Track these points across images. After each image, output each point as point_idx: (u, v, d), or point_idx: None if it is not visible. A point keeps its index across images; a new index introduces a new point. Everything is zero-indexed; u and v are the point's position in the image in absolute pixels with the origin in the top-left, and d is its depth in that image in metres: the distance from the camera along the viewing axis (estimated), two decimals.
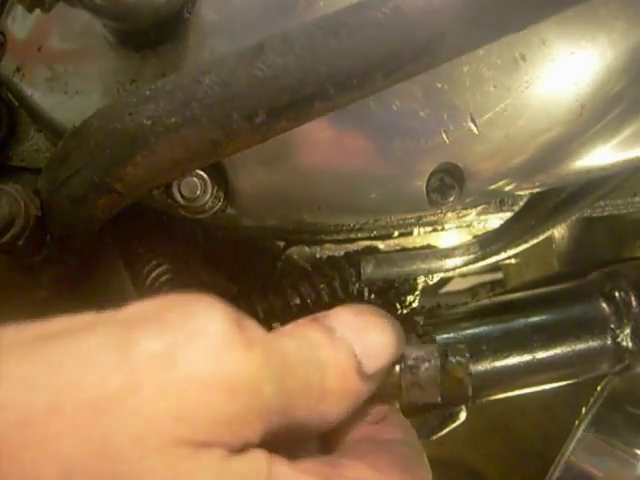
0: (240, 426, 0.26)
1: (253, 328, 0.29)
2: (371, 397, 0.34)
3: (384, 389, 0.36)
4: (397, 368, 0.37)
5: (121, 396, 0.24)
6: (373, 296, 0.52)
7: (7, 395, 0.23)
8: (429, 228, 0.52)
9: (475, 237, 0.55)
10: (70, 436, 0.23)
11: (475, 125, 0.40)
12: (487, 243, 0.53)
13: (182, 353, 0.26)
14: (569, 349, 0.52)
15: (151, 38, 0.42)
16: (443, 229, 0.53)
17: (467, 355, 0.39)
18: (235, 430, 0.26)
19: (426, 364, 0.37)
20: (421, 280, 0.56)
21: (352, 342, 0.33)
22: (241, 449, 0.27)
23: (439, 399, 0.37)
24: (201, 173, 0.40)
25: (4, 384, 0.24)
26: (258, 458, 0.27)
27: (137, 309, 0.28)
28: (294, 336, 0.32)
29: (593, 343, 0.52)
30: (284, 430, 0.29)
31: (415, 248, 0.53)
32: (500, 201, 0.51)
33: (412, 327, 0.52)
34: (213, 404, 0.26)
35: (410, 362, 0.37)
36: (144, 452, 0.24)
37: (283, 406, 0.28)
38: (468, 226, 0.55)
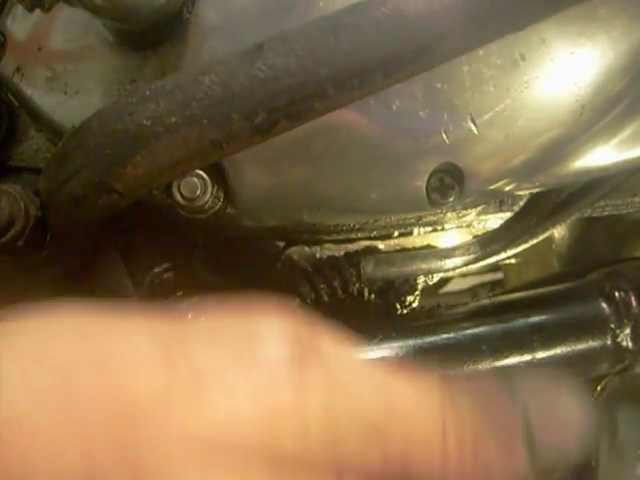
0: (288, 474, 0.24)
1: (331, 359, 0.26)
2: None
3: None
4: None
5: (158, 408, 0.23)
6: (373, 296, 0.52)
7: (45, 384, 0.22)
8: (429, 228, 0.52)
9: (475, 237, 0.55)
10: (98, 438, 0.22)
11: (475, 125, 0.40)
12: (487, 243, 0.53)
13: (231, 379, 0.24)
14: (569, 349, 0.52)
15: (151, 38, 0.42)
16: (443, 229, 0.53)
17: None
18: (280, 474, 0.24)
19: None
20: (421, 280, 0.56)
21: (529, 404, 0.27)
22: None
23: None
24: (201, 173, 0.40)
25: (41, 371, 0.22)
26: None
27: (196, 320, 0.26)
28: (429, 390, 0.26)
29: (593, 343, 0.52)
30: None
31: (415, 248, 0.53)
32: (500, 201, 0.51)
33: None
34: (254, 440, 0.23)
35: None
36: (171, 471, 0.22)
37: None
38: (468, 226, 0.55)
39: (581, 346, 0.52)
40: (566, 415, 0.27)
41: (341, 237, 0.49)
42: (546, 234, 0.53)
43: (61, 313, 0.25)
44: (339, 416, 0.25)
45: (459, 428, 0.25)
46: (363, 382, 0.26)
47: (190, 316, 0.26)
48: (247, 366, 0.24)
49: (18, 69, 0.47)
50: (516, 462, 0.26)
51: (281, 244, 0.52)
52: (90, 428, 0.22)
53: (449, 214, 0.48)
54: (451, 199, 0.42)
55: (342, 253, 0.52)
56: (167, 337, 0.25)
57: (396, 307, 0.55)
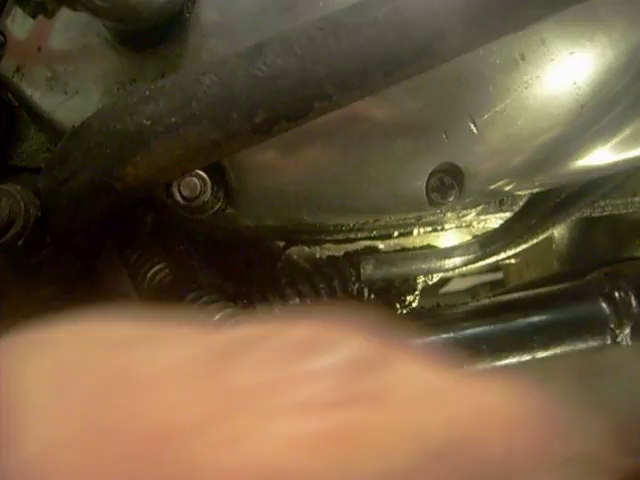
0: None
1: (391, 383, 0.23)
2: None
3: None
4: None
5: (190, 431, 0.21)
6: (373, 296, 0.52)
7: (71, 408, 0.20)
8: (429, 228, 0.52)
9: (475, 237, 0.55)
10: (122, 464, 0.20)
11: (475, 125, 0.40)
12: (487, 243, 0.53)
13: (276, 400, 0.21)
14: (569, 349, 0.52)
15: (151, 38, 0.42)
16: (443, 229, 0.53)
17: None
18: None
19: None
20: (421, 280, 0.56)
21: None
22: None
23: None
24: (201, 173, 0.40)
25: (71, 392, 0.21)
26: None
27: (238, 334, 0.24)
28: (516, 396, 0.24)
29: (593, 343, 0.52)
30: None
31: (415, 248, 0.53)
32: (500, 201, 0.51)
33: None
34: (295, 467, 0.21)
35: None
36: None
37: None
38: (468, 226, 0.55)
39: (581, 346, 0.52)
40: None
41: (341, 237, 0.49)
42: (546, 234, 0.53)
43: (91, 322, 0.23)
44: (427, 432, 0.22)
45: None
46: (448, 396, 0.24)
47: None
48: (295, 384, 0.22)
49: (18, 69, 0.47)
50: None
51: (281, 244, 0.52)
52: (119, 467, 0.20)
53: (449, 214, 0.48)
54: (451, 199, 0.42)
55: (342, 253, 0.52)
56: (209, 352, 0.23)
57: (396, 307, 0.55)
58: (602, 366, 0.29)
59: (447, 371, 0.25)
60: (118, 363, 0.22)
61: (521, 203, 0.52)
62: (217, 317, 0.34)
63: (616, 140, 0.44)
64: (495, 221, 0.55)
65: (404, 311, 0.55)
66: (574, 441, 0.23)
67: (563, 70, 0.40)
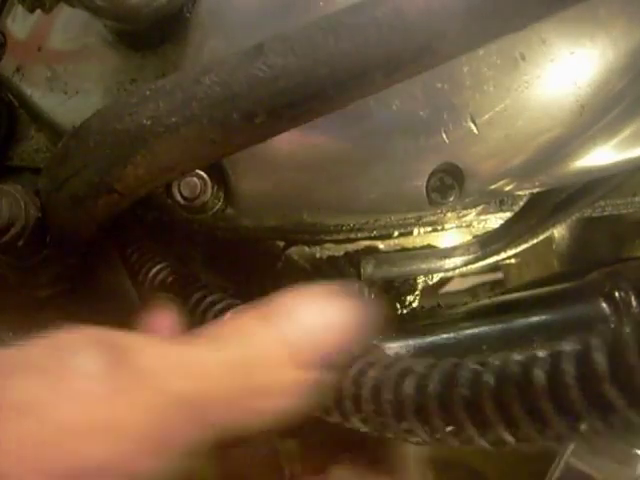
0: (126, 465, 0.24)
1: (140, 355, 0.26)
2: None
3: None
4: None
5: None
6: (373, 296, 0.52)
7: None
8: (429, 228, 0.52)
9: (475, 237, 0.55)
10: None
11: (475, 125, 0.40)
12: (487, 243, 0.53)
13: (48, 401, 0.23)
14: None
15: (151, 38, 0.42)
16: (443, 229, 0.53)
17: None
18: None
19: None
20: (421, 280, 0.56)
21: (285, 329, 0.29)
22: None
23: None
24: (201, 173, 0.40)
25: None
26: None
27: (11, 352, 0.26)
28: (215, 339, 0.28)
29: None
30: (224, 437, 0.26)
31: (415, 248, 0.53)
32: (500, 201, 0.51)
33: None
34: (81, 451, 0.23)
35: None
36: None
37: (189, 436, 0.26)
38: (468, 226, 0.55)
39: None
40: (320, 319, 0.29)
41: (341, 237, 0.49)
42: (546, 234, 0.53)
43: None
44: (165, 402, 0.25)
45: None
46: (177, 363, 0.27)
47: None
48: (61, 386, 0.24)
49: (18, 69, 0.47)
50: (293, 380, 0.28)
51: (281, 244, 0.52)
52: None
53: (449, 214, 0.47)
54: (451, 199, 0.42)
55: (342, 253, 0.52)
56: None
57: (396, 307, 0.55)
58: None
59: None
60: None
61: (521, 203, 0.52)
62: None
63: (616, 140, 0.44)
64: (495, 221, 0.55)
65: (404, 311, 0.55)
66: None
67: (563, 70, 0.40)
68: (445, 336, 0.53)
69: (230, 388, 0.27)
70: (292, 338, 0.28)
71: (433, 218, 0.47)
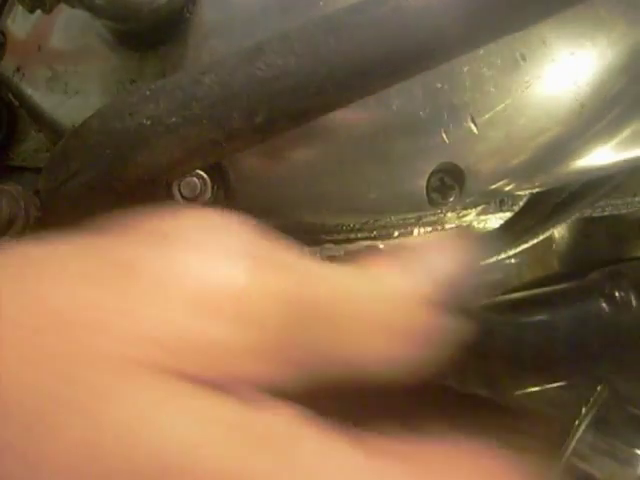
0: (232, 361, 0.21)
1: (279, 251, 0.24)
2: None
3: None
4: None
5: (84, 312, 0.20)
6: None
7: None
8: (429, 228, 0.52)
9: None
10: (18, 353, 0.19)
11: (475, 125, 0.40)
12: (487, 243, 0.53)
13: (163, 263, 0.21)
14: None
15: (151, 38, 0.42)
16: (443, 229, 0.53)
17: None
18: (224, 365, 0.21)
19: None
20: None
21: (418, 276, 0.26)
22: (247, 395, 0.21)
23: None
24: (201, 173, 0.40)
25: None
26: (269, 408, 0.20)
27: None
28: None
29: None
30: (337, 381, 0.23)
31: None
32: (500, 201, 0.51)
33: None
34: (195, 326, 0.20)
35: None
36: (99, 375, 0.19)
37: (308, 343, 0.22)
38: (468, 226, 0.55)
39: None
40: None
41: (341, 237, 0.49)
42: (546, 234, 0.53)
43: None
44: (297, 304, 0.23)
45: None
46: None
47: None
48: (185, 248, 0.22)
49: (18, 69, 0.47)
50: (424, 323, 0.25)
51: None
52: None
53: (449, 214, 0.47)
54: (451, 199, 0.42)
55: (342, 253, 0.52)
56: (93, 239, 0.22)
57: None
58: None
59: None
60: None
61: (521, 203, 0.52)
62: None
63: (616, 140, 0.44)
64: (495, 221, 0.55)
65: None
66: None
67: (564, 70, 0.40)
68: None
69: (347, 317, 0.24)
70: (424, 284, 0.26)
71: (433, 218, 0.47)
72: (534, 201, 0.51)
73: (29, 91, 0.46)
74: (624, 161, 0.45)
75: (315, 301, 0.23)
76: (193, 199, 0.41)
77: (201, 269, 0.22)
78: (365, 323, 0.24)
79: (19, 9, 0.49)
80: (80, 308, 0.20)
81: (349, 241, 0.52)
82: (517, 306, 0.56)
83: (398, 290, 0.25)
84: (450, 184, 0.42)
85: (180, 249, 0.22)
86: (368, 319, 0.24)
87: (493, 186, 0.43)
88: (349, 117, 0.40)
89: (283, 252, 0.24)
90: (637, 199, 0.55)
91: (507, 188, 0.44)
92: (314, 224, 0.45)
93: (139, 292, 0.21)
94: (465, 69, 0.40)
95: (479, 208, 0.50)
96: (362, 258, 0.28)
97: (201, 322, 0.21)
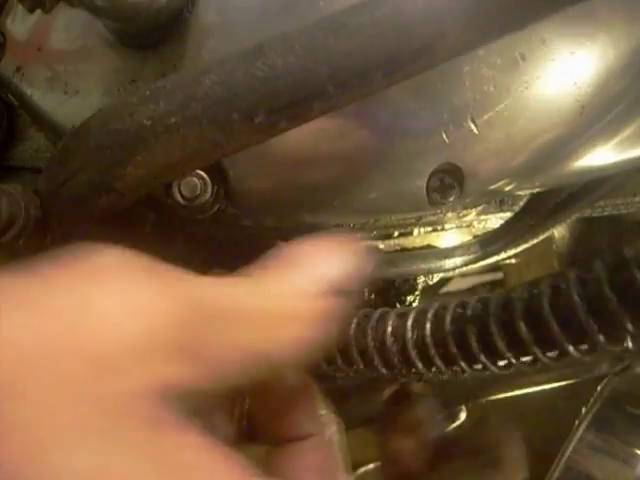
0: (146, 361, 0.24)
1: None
2: None
3: None
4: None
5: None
6: (373, 296, 0.52)
7: None
8: (429, 228, 0.52)
9: (475, 237, 0.55)
10: None
11: (475, 125, 0.40)
12: (487, 243, 0.53)
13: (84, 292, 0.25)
14: None
15: (151, 38, 0.42)
16: (443, 229, 0.53)
17: None
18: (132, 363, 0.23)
19: None
20: (421, 280, 0.56)
21: (298, 280, 0.30)
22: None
23: None
24: (201, 173, 0.40)
25: None
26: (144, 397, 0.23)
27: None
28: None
29: None
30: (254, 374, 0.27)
31: (415, 248, 0.53)
32: (500, 201, 0.51)
33: None
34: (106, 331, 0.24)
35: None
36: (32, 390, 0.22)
37: (209, 337, 0.26)
38: (468, 226, 0.55)
39: None
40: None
41: None
42: (546, 234, 0.53)
43: None
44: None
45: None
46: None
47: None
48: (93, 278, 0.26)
49: (18, 69, 0.47)
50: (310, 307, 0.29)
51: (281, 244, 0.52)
52: None
53: (449, 214, 0.48)
54: (451, 199, 0.42)
55: None
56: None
57: (396, 307, 0.55)
58: None
59: None
60: None
61: (521, 203, 0.52)
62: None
63: (616, 140, 0.44)
64: (495, 221, 0.55)
65: None
66: None
67: (564, 70, 0.40)
68: None
69: (248, 306, 0.27)
70: (306, 285, 0.29)
71: (433, 218, 0.47)
72: (534, 201, 0.51)
73: (29, 91, 0.46)
74: (624, 161, 0.45)
75: (207, 301, 0.27)
76: (193, 199, 0.41)
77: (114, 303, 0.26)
78: (254, 315, 0.28)
79: (19, 9, 0.49)
80: None
81: None
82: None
83: (275, 287, 0.29)
84: (450, 184, 0.42)
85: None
86: (255, 312, 0.28)
87: (493, 186, 0.43)
88: (349, 117, 0.40)
89: (173, 271, 0.28)
90: (637, 199, 0.55)
91: (507, 188, 0.44)
92: (314, 224, 0.45)
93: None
94: (465, 69, 0.40)
95: (479, 208, 0.50)
96: (257, 264, 0.31)
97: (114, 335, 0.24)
